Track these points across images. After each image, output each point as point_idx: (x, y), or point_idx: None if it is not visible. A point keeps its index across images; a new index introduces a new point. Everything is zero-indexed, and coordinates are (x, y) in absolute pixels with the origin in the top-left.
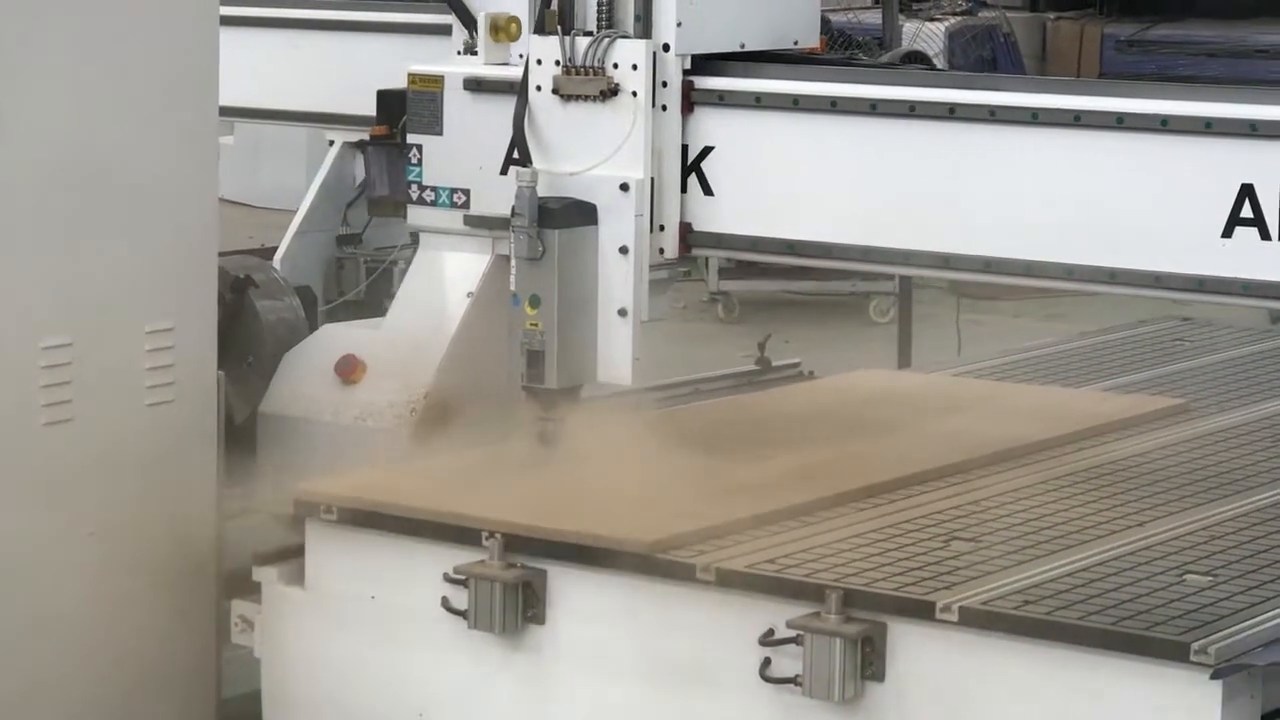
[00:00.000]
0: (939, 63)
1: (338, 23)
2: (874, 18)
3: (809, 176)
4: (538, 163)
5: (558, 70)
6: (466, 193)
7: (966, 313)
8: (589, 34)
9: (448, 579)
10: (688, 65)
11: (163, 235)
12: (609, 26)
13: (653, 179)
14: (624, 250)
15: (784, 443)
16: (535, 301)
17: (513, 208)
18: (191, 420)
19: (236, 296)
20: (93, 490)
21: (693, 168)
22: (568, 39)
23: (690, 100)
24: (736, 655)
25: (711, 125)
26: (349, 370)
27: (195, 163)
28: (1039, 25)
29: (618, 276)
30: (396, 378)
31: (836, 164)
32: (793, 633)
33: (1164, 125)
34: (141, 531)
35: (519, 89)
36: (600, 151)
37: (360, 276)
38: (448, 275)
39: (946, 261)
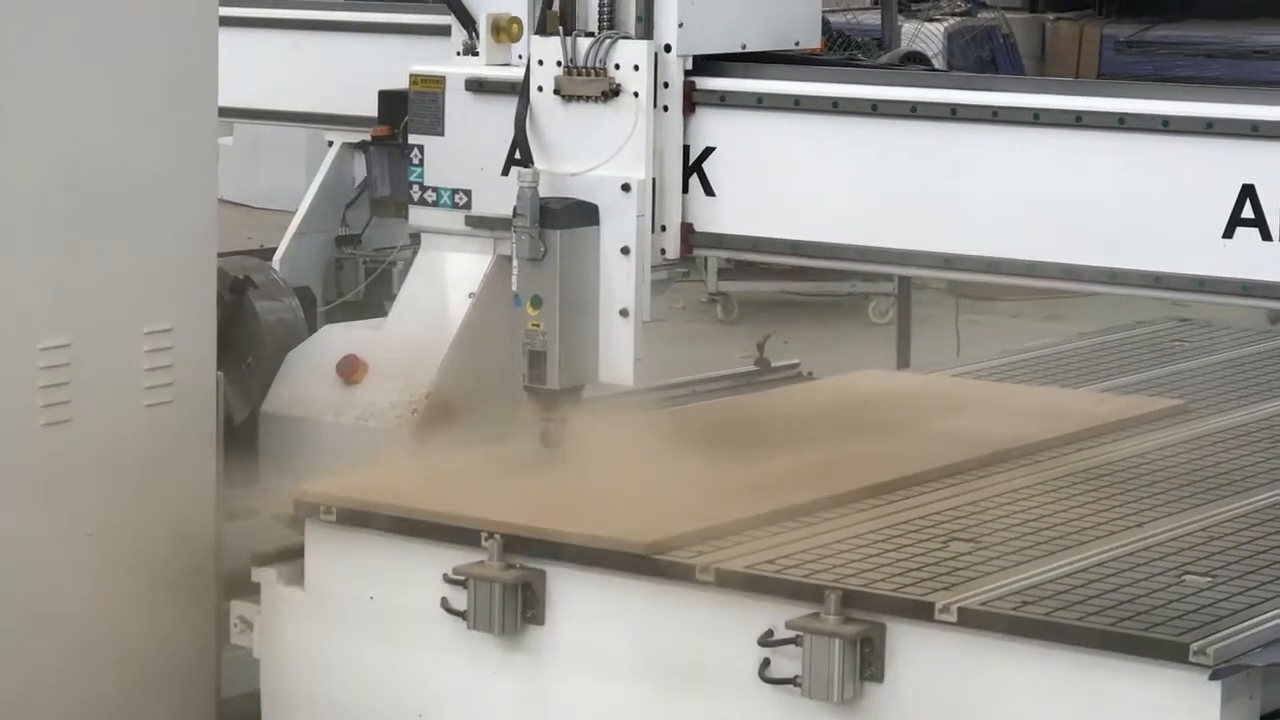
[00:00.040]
0: (938, 63)
1: (337, 23)
2: (873, 18)
3: (810, 177)
4: (539, 163)
5: (559, 71)
6: (468, 193)
7: (965, 313)
8: (590, 35)
9: (447, 580)
10: (689, 66)
11: (162, 236)
12: (610, 27)
13: (654, 179)
14: (626, 251)
15: (783, 443)
16: (537, 302)
17: (514, 208)
18: (190, 421)
19: (235, 297)
20: (92, 491)
21: (694, 168)
22: (569, 40)
23: (692, 101)
24: (736, 656)
25: (713, 126)
26: (350, 370)
27: (194, 163)
28: (1038, 26)
29: (619, 277)
30: (398, 378)
31: (838, 164)
32: (792, 633)
33: (1165, 126)
34: (141, 532)
35: (520, 89)
36: (602, 152)
37: (359, 277)
38: (449, 276)
39: (947, 262)
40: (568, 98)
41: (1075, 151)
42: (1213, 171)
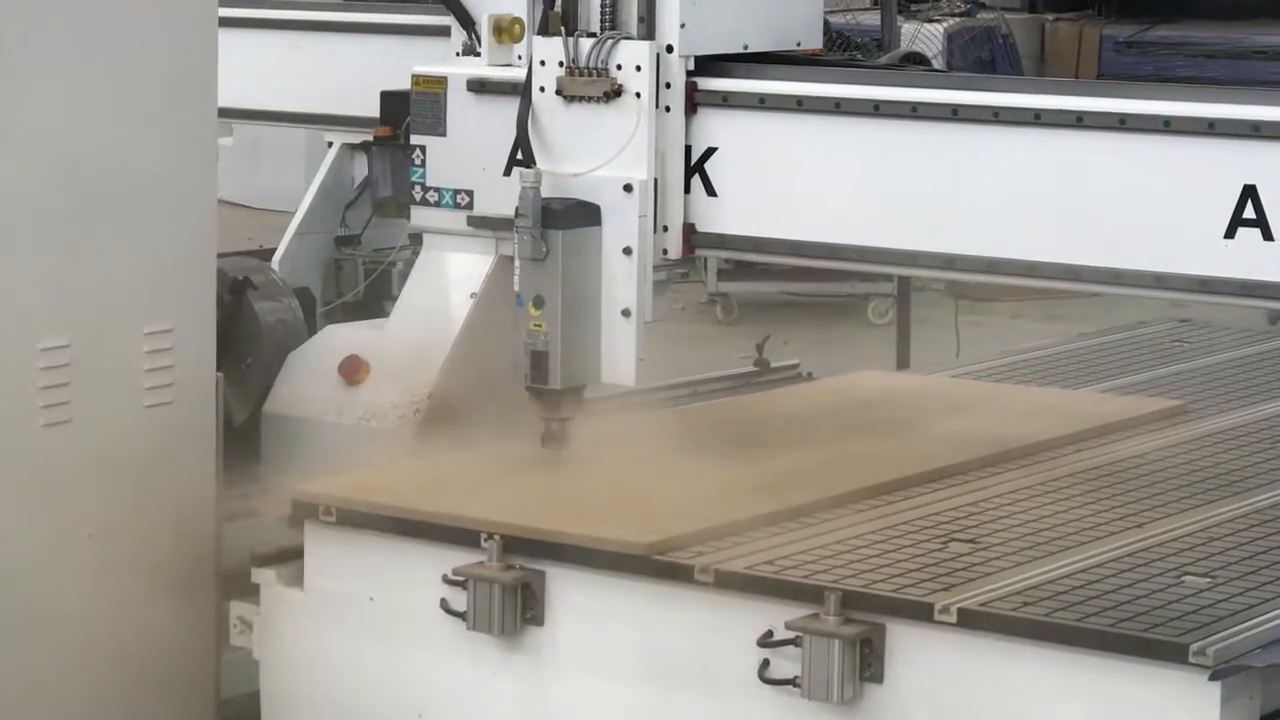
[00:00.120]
0: (937, 64)
1: (336, 24)
2: (873, 19)
3: (812, 177)
4: (541, 164)
5: (561, 71)
6: (470, 193)
7: (965, 314)
8: (592, 35)
9: (446, 580)
10: (691, 66)
11: (161, 236)
12: (612, 28)
13: (656, 180)
14: (628, 251)
15: (783, 444)
16: (539, 302)
17: (516, 208)
18: (190, 421)
19: (235, 298)
20: (91, 491)
21: (696, 168)
22: (571, 40)
23: (694, 101)
24: (735, 656)
25: (715, 126)
26: (352, 371)
27: (194, 164)
28: (1038, 26)
29: (621, 277)
30: (400, 378)
31: (840, 165)
32: (791, 634)
33: (1166, 126)
34: (140, 533)
35: (523, 90)
36: (604, 152)
37: (359, 278)
38: (451, 276)
39: (949, 262)
40: (570, 98)
41: (1076, 152)
42: (1214, 172)
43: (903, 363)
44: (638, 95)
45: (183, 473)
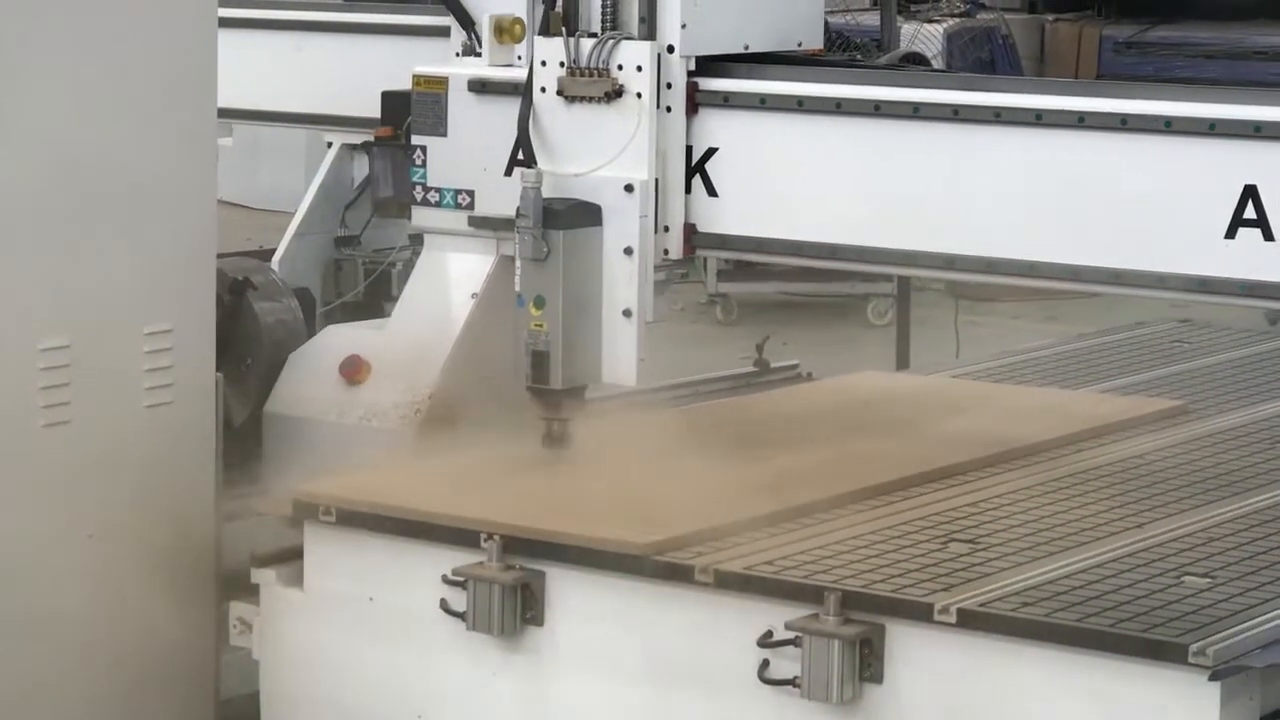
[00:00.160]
0: (937, 64)
1: (336, 24)
2: (872, 19)
3: (813, 177)
4: (542, 164)
5: (562, 72)
6: (471, 194)
7: (965, 314)
8: (593, 36)
9: (446, 581)
10: (692, 67)
11: (161, 237)
12: (613, 28)
13: (657, 180)
14: (629, 251)
15: (782, 444)
16: (540, 302)
17: (518, 209)
18: (190, 422)
19: (235, 298)
20: (91, 492)
21: (697, 169)
22: (572, 40)
23: (695, 101)
24: (735, 657)
25: (716, 126)
26: (354, 371)
27: (194, 164)
28: (1037, 27)
29: (622, 277)
30: (401, 378)
31: (840, 165)
32: (791, 634)
33: (1167, 126)
34: (140, 533)
35: (524, 90)
36: (605, 153)
37: (359, 278)
38: (452, 276)
39: (950, 262)
40: (571, 98)
41: (1077, 152)
42: (1215, 172)
43: (902, 363)
44: (639, 95)
45: (183, 473)
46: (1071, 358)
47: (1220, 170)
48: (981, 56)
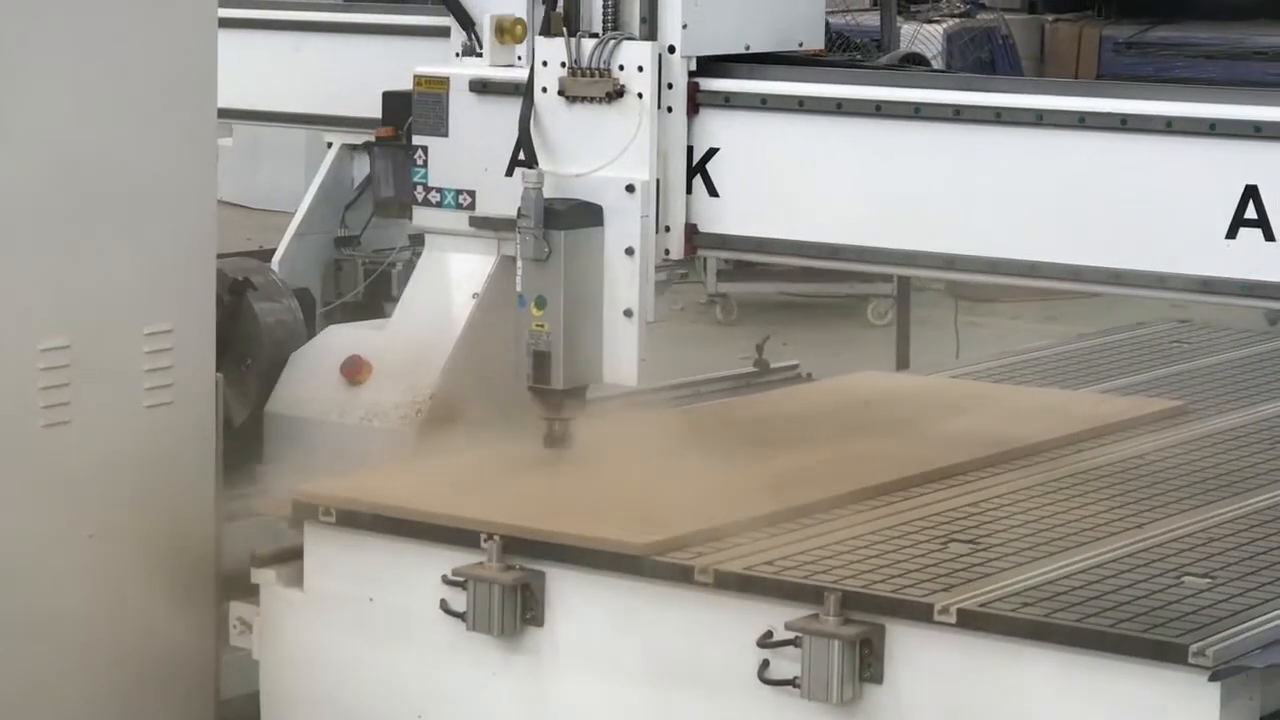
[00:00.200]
0: (937, 65)
1: (336, 25)
2: (872, 20)
3: (814, 177)
4: (543, 164)
5: (563, 72)
6: (472, 194)
7: (965, 315)
8: (594, 36)
9: (446, 581)
10: (693, 67)
11: (161, 237)
12: (614, 28)
13: (658, 180)
14: (630, 251)
15: (782, 444)
16: (541, 302)
17: (519, 209)
18: (190, 422)
19: (235, 298)
20: (91, 492)
21: (698, 169)
22: (573, 41)
23: (695, 102)
24: (735, 657)
25: (717, 127)
26: (355, 371)
27: (194, 164)
28: (1037, 27)
29: (623, 277)
30: (402, 378)
31: (841, 165)
32: (791, 634)
33: (1168, 127)
34: (140, 533)
35: (525, 90)
36: (606, 153)
37: (358, 278)
38: (453, 276)
39: (951, 263)
40: (572, 99)
41: (1078, 152)
42: (1215, 172)
43: (902, 363)
44: (640, 96)
45: (183, 473)
46: (1071, 358)
47: (1221, 170)
48: (981, 57)
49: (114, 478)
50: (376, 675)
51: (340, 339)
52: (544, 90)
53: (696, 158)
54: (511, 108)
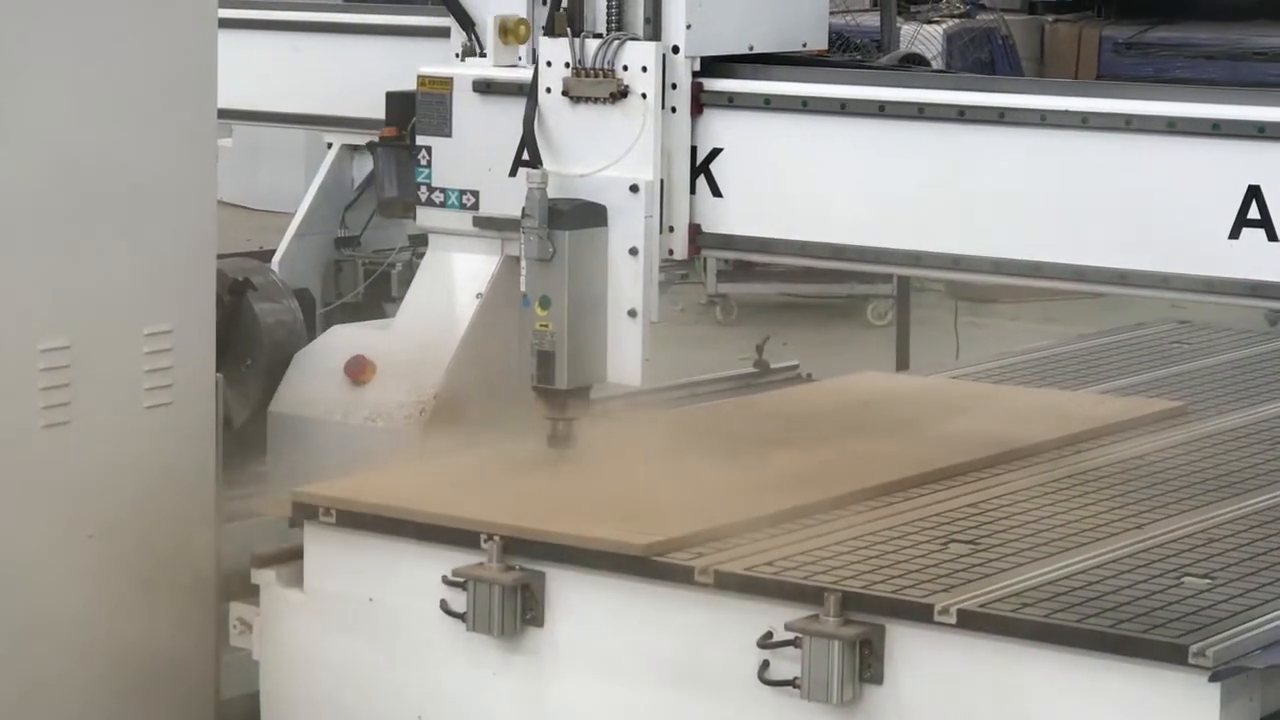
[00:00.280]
0: (937, 65)
1: (336, 25)
2: (872, 20)
3: (817, 178)
4: (548, 164)
5: (567, 72)
6: (475, 194)
7: (965, 315)
8: (598, 36)
9: (446, 581)
10: (697, 67)
11: (161, 237)
12: (618, 29)
13: (662, 180)
14: (634, 251)
15: (782, 445)
16: (545, 302)
17: (523, 209)
18: (190, 423)
19: (235, 299)
20: (91, 492)
21: (702, 169)
22: (577, 41)
23: (699, 102)
24: (735, 658)
25: (720, 127)
26: (358, 371)
27: (194, 164)
28: (1037, 28)
29: (628, 277)
30: (406, 379)
31: (845, 165)
32: (791, 635)
33: (1171, 127)
34: (140, 534)
35: (529, 91)
36: (610, 153)
37: (359, 279)
38: (457, 276)
39: (954, 263)
40: (576, 99)
41: (1081, 152)
42: (1218, 172)
43: (902, 364)
44: (644, 96)
45: (183, 473)
46: (1071, 359)
47: (1224, 171)
48: (981, 57)
49: (114, 478)
50: (376, 675)
51: (344, 339)
52: (548, 90)
53: (700, 158)
54: (515, 108)
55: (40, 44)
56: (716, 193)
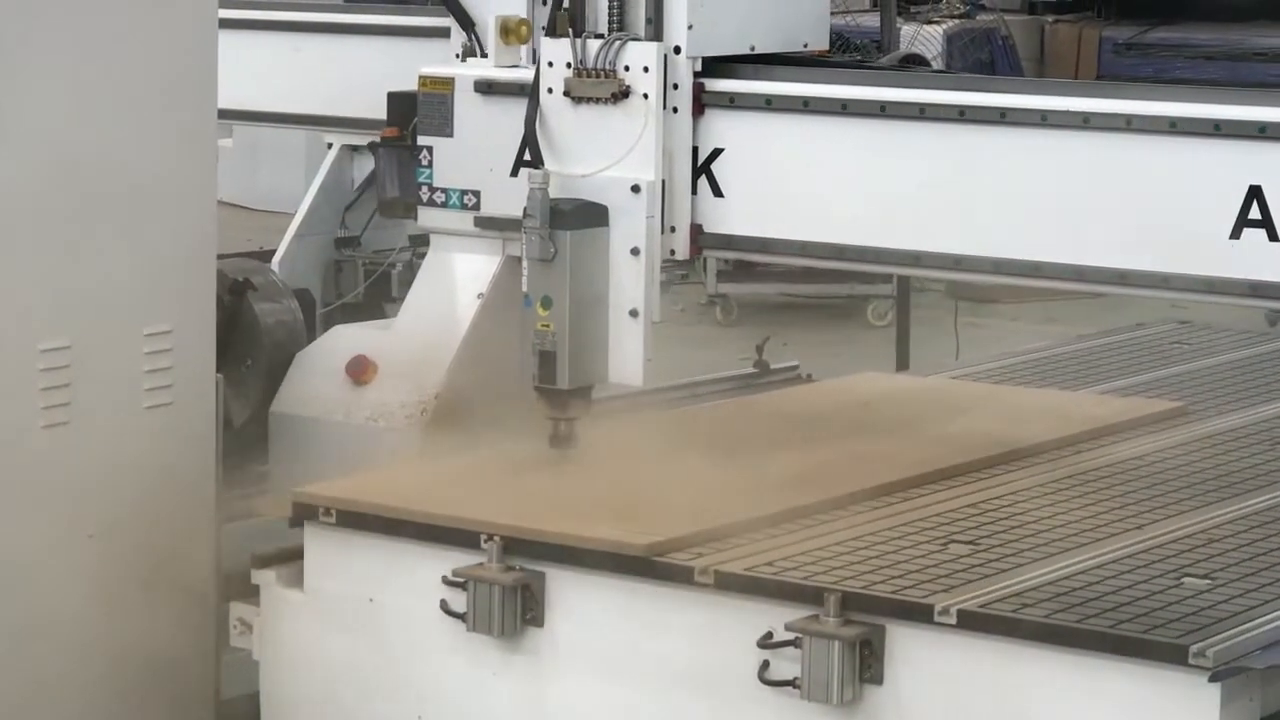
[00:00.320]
0: (937, 66)
1: (336, 26)
2: (872, 21)
3: (819, 178)
4: (549, 164)
5: (569, 72)
6: (477, 194)
7: (964, 316)
8: (600, 36)
9: (446, 582)
10: (698, 68)
11: (161, 237)
12: (620, 29)
13: (664, 181)
14: (635, 251)
15: (782, 445)
16: (547, 302)
17: (524, 209)
18: (190, 423)
19: (235, 299)
20: (91, 493)
21: (703, 169)
22: (579, 41)
23: (701, 102)
24: (735, 658)
25: (722, 127)
26: (360, 371)
27: (194, 165)
28: (1037, 28)
29: (629, 278)
30: (407, 379)
31: (846, 165)
32: (791, 635)
33: (1172, 127)
34: (140, 534)
35: (530, 91)
36: (612, 153)
37: (359, 279)
38: (458, 276)
39: (955, 263)
40: (577, 99)
41: (1082, 152)
42: (1220, 172)
43: (902, 364)
44: (645, 96)
45: (183, 473)
46: (1071, 359)
47: (1225, 171)
48: (981, 58)
49: (114, 478)
50: (376, 675)
51: (345, 339)
52: (549, 91)
53: (701, 158)
54: (516, 108)
55: (40, 44)
56: (718, 193)
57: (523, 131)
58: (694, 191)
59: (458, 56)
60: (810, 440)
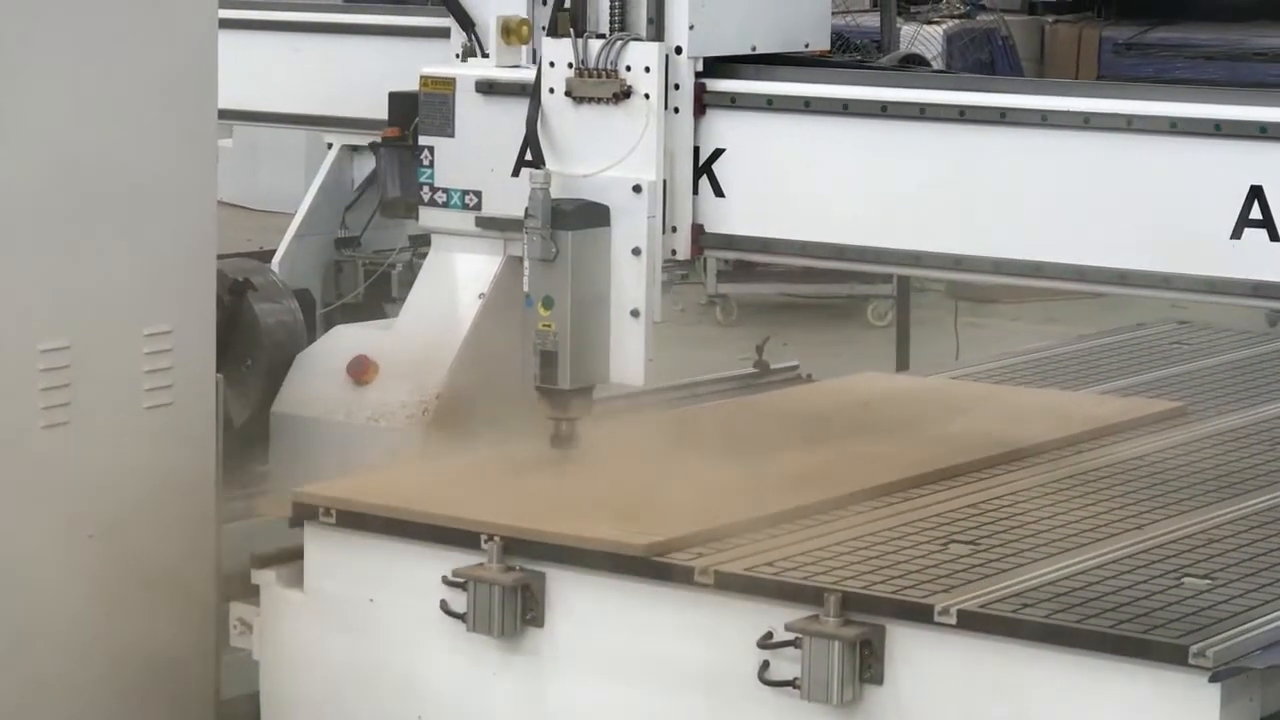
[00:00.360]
0: (937, 66)
1: (336, 26)
2: (872, 21)
3: (820, 178)
4: (550, 164)
5: (570, 73)
6: (478, 194)
7: (965, 316)
8: (601, 36)
9: (446, 582)
10: (699, 68)
11: (161, 238)
12: (621, 29)
13: (665, 181)
14: (637, 251)
15: (782, 445)
16: (548, 303)
17: (526, 209)
18: (190, 423)
19: (235, 299)
20: (91, 493)
21: (704, 169)
22: (580, 41)
23: (702, 102)
24: (735, 658)
25: (723, 127)
26: (361, 371)
27: (194, 165)
28: (1037, 28)
29: (630, 278)
30: (408, 379)
31: (847, 165)
32: (791, 635)
33: (1173, 127)
34: (140, 534)
35: (532, 91)
36: (613, 153)
37: (359, 279)
38: (459, 277)
39: (956, 263)
40: (579, 99)
41: (1083, 152)
42: (1220, 172)
43: (902, 364)
44: (646, 96)
45: (183, 473)
46: (1071, 359)
47: (1226, 171)
48: (981, 58)
49: (114, 479)
50: (376, 675)
51: (346, 339)
52: (551, 91)
53: (703, 158)
54: (518, 108)
55: (40, 44)
56: (719, 193)
57: (524, 131)
58: (695, 191)
59: (458, 57)
60: (810, 440)
